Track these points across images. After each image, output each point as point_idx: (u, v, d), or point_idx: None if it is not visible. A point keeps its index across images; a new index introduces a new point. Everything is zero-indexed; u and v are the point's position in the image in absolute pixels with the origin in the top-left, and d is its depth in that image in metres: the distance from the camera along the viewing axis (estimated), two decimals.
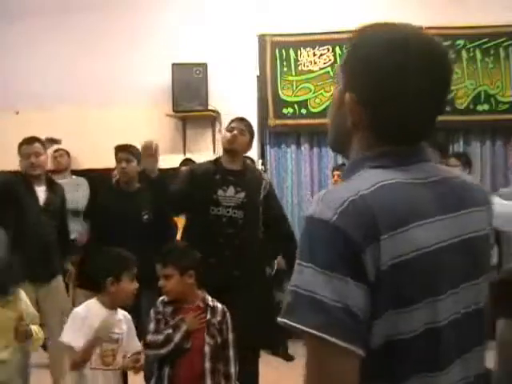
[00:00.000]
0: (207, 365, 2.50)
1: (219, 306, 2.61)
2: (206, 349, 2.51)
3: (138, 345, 2.60)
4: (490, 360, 2.35)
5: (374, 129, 0.95)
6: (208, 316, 2.55)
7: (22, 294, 2.68)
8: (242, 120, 3.26)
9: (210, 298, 2.61)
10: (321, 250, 0.84)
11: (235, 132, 3.15)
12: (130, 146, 3.71)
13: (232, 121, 3.26)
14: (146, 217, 3.63)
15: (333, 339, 0.80)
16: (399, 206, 0.87)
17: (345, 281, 0.82)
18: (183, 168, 4.55)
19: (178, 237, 4.45)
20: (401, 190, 0.89)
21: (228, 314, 2.61)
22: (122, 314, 2.60)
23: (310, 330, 0.81)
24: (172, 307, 2.56)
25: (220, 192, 3.10)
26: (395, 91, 0.92)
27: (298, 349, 4.45)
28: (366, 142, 0.96)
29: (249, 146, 3.27)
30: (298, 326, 0.82)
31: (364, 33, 0.98)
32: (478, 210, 0.98)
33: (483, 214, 0.99)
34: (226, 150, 3.20)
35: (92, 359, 2.40)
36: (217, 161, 3.27)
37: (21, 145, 3.72)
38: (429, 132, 0.98)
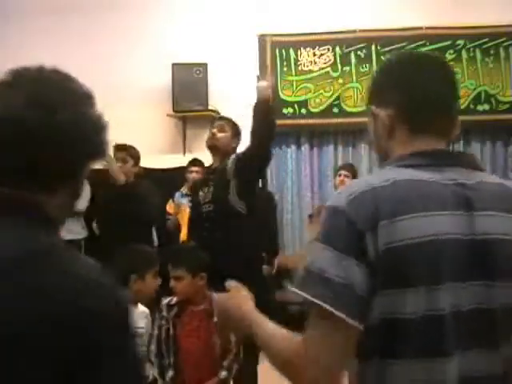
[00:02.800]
0: (219, 365, 2.52)
1: None
2: (217, 350, 2.51)
3: None
4: None
5: (411, 131, 1.07)
6: (216, 318, 2.55)
7: None
8: (222, 118, 3.40)
9: None
10: (331, 233, 0.96)
11: (214, 130, 3.24)
12: (128, 146, 3.71)
13: (213, 120, 3.39)
14: (146, 218, 3.64)
15: (337, 312, 0.90)
16: (403, 198, 0.96)
17: (349, 260, 0.92)
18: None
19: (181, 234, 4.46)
20: (411, 186, 0.98)
21: None
22: (142, 310, 2.58)
23: (317, 301, 0.92)
24: (177, 309, 2.55)
25: (200, 193, 3.23)
26: (421, 97, 1.06)
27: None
28: (405, 146, 1.07)
29: (232, 142, 3.25)
30: (307, 296, 0.93)
31: (386, 61, 1.19)
32: (505, 216, 1.00)
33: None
34: (208, 148, 3.28)
35: None
36: (210, 165, 3.43)
37: None
38: (453, 130, 1.09)
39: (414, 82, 1.07)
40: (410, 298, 0.93)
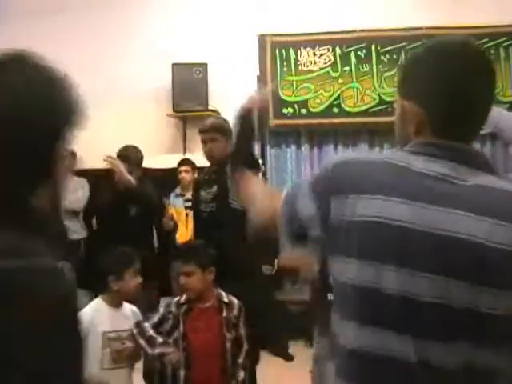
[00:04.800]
0: (229, 359, 2.52)
1: (235, 300, 2.61)
2: (228, 345, 2.52)
3: None
4: None
5: (433, 129, 1.05)
6: (224, 313, 2.56)
7: None
8: (204, 130, 3.23)
9: (224, 294, 2.60)
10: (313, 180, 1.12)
11: (208, 146, 3.19)
12: (126, 154, 3.68)
13: (199, 132, 3.28)
14: (146, 218, 3.64)
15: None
16: (368, 176, 1.02)
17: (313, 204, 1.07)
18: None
19: (177, 235, 4.47)
20: (386, 168, 1.02)
21: (243, 308, 2.62)
22: (129, 309, 2.58)
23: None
24: (186, 307, 2.55)
25: (202, 192, 3.25)
26: (448, 92, 1.04)
27: (297, 349, 4.45)
28: (424, 135, 1.07)
29: (227, 145, 3.16)
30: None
31: (417, 51, 1.13)
32: (495, 223, 0.94)
33: (500, 227, 0.95)
34: (207, 160, 3.30)
35: (104, 360, 2.40)
36: (211, 167, 3.38)
37: None
38: (477, 130, 1.08)
39: (446, 87, 1.04)
40: (351, 268, 1.01)
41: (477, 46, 1.15)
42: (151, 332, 2.48)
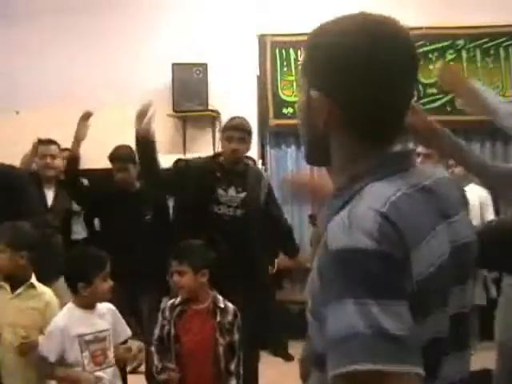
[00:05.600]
0: (222, 365, 2.51)
1: (230, 306, 2.60)
2: (220, 349, 2.51)
3: (127, 333, 2.59)
4: (491, 360, 2.36)
5: (352, 127, 0.87)
6: (218, 318, 2.54)
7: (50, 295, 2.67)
8: (238, 128, 3.12)
9: (220, 299, 2.59)
10: (368, 280, 0.73)
11: (234, 144, 3.08)
12: (124, 155, 3.66)
13: (228, 128, 3.14)
14: (148, 217, 3.62)
15: (414, 369, 0.71)
16: (415, 219, 0.80)
17: (402, 305, 0.73)
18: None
19: None
20: (409, 202, 0.81)
21: (239, 314, 2.61)
22: (104, 307, 2.52)
23: (389, 368, 0.69)
24: (180, 308, 2.55)
25: (220, 191, 3.09)
26: (367, 80, 0.83)
27: (298, 349, 4.44)
28: (348, 144, 0.88)
29: (250, 146, 3.26)
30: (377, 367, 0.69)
31: (322, 29, 0.97)
32: (465, 214, 0.94)
33: (467, 218, 0.95)
34: (228, 161, 3.15)
35: (84, 363, 2.38)
36: (215, 158, 3.24)
37: (38, 145, 3.82)
38: (403, 126, 0.90)
39: (374, 76, 0.83)
40: (427, 326, 0.79)
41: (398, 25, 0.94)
42: (156, 361, 2.52)
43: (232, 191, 3.11)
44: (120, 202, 3.58)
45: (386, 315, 0.71)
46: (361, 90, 0.84)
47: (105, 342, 2.45)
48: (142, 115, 3.02)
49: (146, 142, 3.03)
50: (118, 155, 3.66)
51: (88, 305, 2.46)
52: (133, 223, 3.53)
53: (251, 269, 3.07)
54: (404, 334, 0.71)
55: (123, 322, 2.59)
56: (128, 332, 2.60)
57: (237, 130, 3.10)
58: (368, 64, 0.83)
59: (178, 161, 4.67)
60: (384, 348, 0.69)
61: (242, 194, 3.12)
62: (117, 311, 2.57)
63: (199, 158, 3.39)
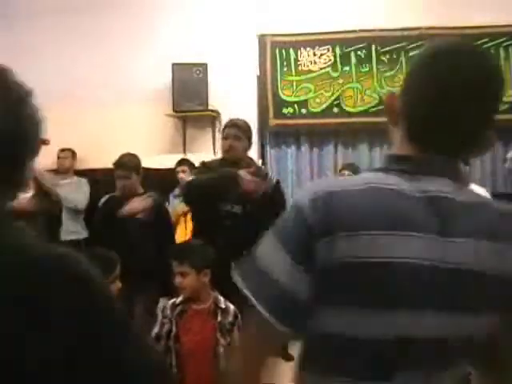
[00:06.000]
0: (223, 365, 2.48)
1: (231, 307, 2.59)
2: (221, 350, 2.50)
3: None
4: None
5: (405, 128, 0.98)
6: (219, 318, 2.54)
7: None
8: (233, 125, 3.19)
9: (222, 300, 2.59)
10: (287, 230, 0.93)
11: (229, 141, 3.13)
12: (127, 162, 3.64)
13: (224, 127, 3.22)
14: (146, 218, 3.61)
15: (271, 319, 0.91)
16: (364, 210, 0.89)
17: (297, 267, 0.89)
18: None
19: (176, 236, 4.46)
20: (379, 196, 0.90)
21: (239, 315, 2.60)
22: None
23: (259, 306, 0.91)
24: (180, 308, 2.55)
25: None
26: (423, 91, 0.95)
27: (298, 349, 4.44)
28: (400, 140, 1.00)
29: (248, 147, 3.26)
30: (248, 292, 0.92)
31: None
32: (485, 243, 0.90)
33: (484, 247, 0.90)
34: (224, 159, 3.18)
35: None
36: (224, 161, 3.25)
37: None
38: (464, 142, 0.97)
39: (429, 85, 0.94)
40: (360, 317, 0.90)
41: (485, 53, 1.01)
42: None
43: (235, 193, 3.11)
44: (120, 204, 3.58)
45: (265, 248, 0.95)
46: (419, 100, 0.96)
47: None
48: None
49: None
50: (122, 162, 3.64)
51: None
52: (132, 223, 3.53)
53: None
54: (284, 286, 0.89)
55: None
56: None
57: (231, 127, 3.17)
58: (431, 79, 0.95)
59: (182, 161, 4.69)
60: (248, 272, 0.94)
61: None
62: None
63: (214, 160, 3.43)
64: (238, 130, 3.16)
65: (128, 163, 3.61)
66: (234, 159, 3.16)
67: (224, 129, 3.21)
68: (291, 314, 0.91)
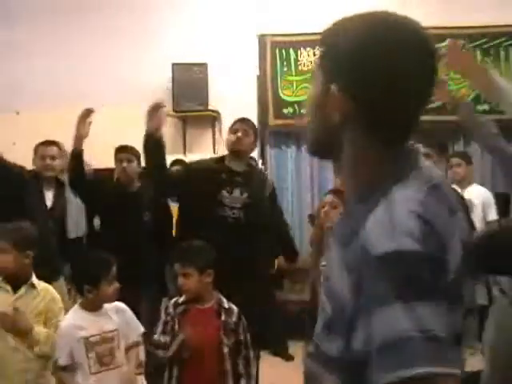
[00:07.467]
0: (228, 366, 2.49)
1: (234, 307, 2.59)
2: (225, 349, 2.50)
3: (139, 331, 2.58)
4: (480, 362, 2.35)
5: (367, 123, 0.87)
6: (223, 317, 2.53)
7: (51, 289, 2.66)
8: (244, 120, 3.21)
9: (225, 300, 2.58)
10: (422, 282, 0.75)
11: (239, 134, 3.11)
12: (131, 147, 3.71)
13: (235, 122, 3.22)
14: (146, 218, 3.62)
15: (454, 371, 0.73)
16: (443, 216, 0.82)
17: (444, 306, 0.75)
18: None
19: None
20: (434, 201, 0.83)
21: (243, 316, 2.59)
22: (112, 307, 2.52)
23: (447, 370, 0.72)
24: (183, 307, 2.54)
25: (224, 193, 3.06)
26: (389, 80, 0.85)
27: (297, 349, 4.44)
28: (361, 140, 0.89)
29: (253, 145, 3.27)
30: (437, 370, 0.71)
31: (341, 25, 0.97)
32: (462, 213, 0.92)
33: (464, 217, 0.93)
34: (231, 152, 3.16)
35: (90, 364, 2.38)
36: (220, 160, 3.24)
37: (38, 146, 3.83)
38: (415, 128, 0.90)
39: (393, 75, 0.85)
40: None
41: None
42: (162, 339, 2.49)
43: (236, 192, 3.09)
44: (120, 202, 3.58)
45: (434, 318, 0.72)
46: (379, 89, 0.85)
47: (112, 343, 2.45)
48: (152, 113, 3.02)
49: (154, 140, 3.03)
50: (125, 146, 3.71)
51: (94, 307, 2.47)
52: (132, 223, 3.53)
53: (251, 269, 3.07)
54: (446, 335, 0.72)
55: (134, 319, 2.59)
56: (140, 329, 2.59)
57: (242, 122, 3.19)
58: (388, 68, 0.85)
59: (176, 162, 4.68)
60: (436, 351, 0.71)
61: (245, 195, 3.10)
62: (128, 310, 2.57)
63: (202, 160, 3.42)
64: (247, 126, 3.18)
65: (131, 148, 3.67)
66: (238, 152, 3.14)
67: (233, 125, 3.20)
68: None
